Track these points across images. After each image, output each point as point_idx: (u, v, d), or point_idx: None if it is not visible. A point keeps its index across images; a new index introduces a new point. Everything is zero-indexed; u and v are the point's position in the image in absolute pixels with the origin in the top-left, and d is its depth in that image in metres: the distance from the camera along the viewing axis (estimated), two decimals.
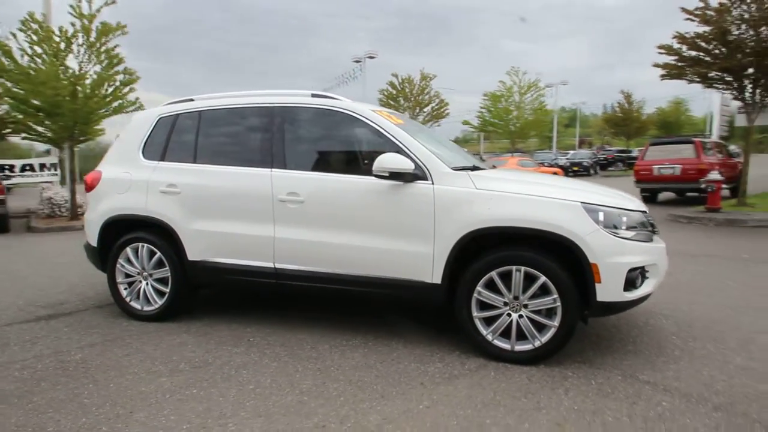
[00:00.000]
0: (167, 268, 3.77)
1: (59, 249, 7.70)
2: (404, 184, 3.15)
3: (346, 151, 3.61)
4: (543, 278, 2.91)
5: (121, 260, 3.90)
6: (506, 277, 2.99)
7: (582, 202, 2.93)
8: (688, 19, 11.18)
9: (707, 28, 10.78)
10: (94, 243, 4.01)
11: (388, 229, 3.20)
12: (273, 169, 3.48)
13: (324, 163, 3.57)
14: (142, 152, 3.94)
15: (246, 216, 3.53)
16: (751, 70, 10.04)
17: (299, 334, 3.54)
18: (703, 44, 10.96)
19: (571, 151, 35.89)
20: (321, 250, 3.34)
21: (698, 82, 11.21)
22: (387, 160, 3.07)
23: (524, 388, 2.70)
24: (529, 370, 2.91)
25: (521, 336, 3.00)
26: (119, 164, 4.01)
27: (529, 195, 3.00)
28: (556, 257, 2.93)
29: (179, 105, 4.00)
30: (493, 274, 3.00)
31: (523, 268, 2.94)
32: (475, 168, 3.45)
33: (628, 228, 2.97)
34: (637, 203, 3.22)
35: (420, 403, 2.53)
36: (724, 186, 10.16)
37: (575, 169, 26.85)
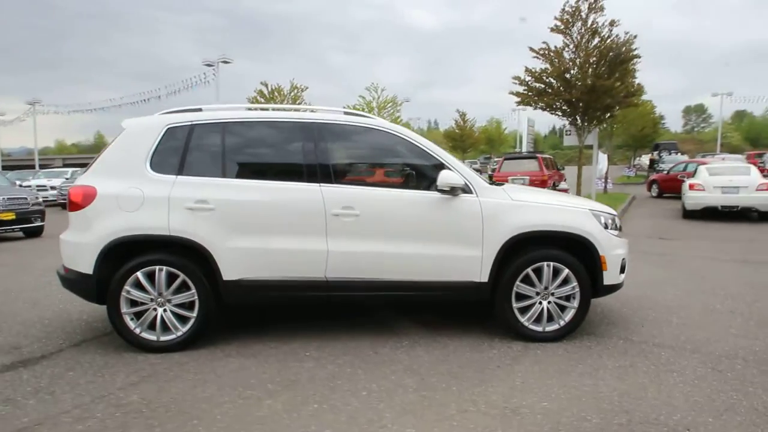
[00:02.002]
0: (193, 291, 3.48)
1: None
2: (453, 197, 3.59)
3: (393, 167, 3.87)
4: (566, 270, 3.66)
5: (128, 287, 3.45)
6: (537, 272, 3.66)
7: (589, 209, 3.78)
8: (535, 57, 13.80)
9: (549, 66, 13.47)
10: (87, 270, 3.44)
11: (442, 236, 3.59)
12: (321, 184, 3.55)
13: (373, 178, 3.77)
14: (150, 165, 3.56)
15: (295, 230, 3.52)
16: (581, 103, 12.87)
17: (348, 342, 3.65)
18: (546, 79, 13.64)
19: None
20: (378, 260, 3.55)
21: (543, 109, 13.87)
22: (448, 177, 3.48)
23: (573, 358, 3.39)
24: (561, 345, 3.62)
25: (549, 319, 3.70)
26: (119, 178, 3.53)
27: (554, 204, 3.75)
28: (572, 253, 3.72)
29: (190, 115, 3.72)
30: (529, 270, 3.64)
31: (552, 264, 3.65)
32: (496, 183, 4.06)
33: (613, 228, 3.91)
34: (609, 208, 4.22)
35: (514, 381, 3.01)
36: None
37: None
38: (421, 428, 2.47)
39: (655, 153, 30.66)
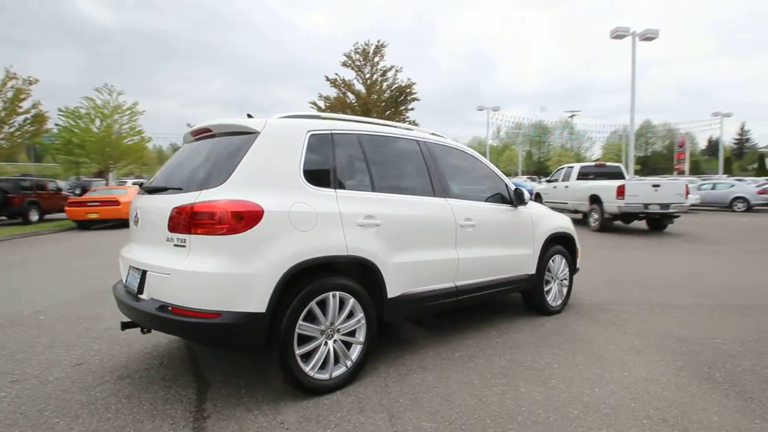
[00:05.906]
0: (360, 315, 3.21)
1: None
2: (516, 209, 4.55)
3: (480, 183, 4.43)
4: (564, 259, 5.16)
5: (300, 320, 2.89)
6: (553, 262, 5.01)
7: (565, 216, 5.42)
8: (331, 86, 15.29)
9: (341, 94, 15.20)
10: (257, 308, 2.70)
11: (515, 240, 4.49)
12: (447, 199, 3.88)
13: (472, 193, 4.26)
14: (303, 176, 3.07)
15: (436, 242, 3.73)
16: None
17: (463, 340, 4.07)
18: (340, 106, 15.29)
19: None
20: (486, 263, 4.16)
21: None
22: (526, 194, 4.42)
23: (592, 319, 4.85)
24: (569, 315, 5.05)
25: (559, 296, 5.11)
26: (278, 192, 2.91)
27: (557, 213, 5.19)
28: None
29: (320, 122, 3.40)
30: (550, 262, 4.96)
31: (560, 255, 5.08)
32: None
33: None
34: None
35: (598, 337, 4.24)
36: None
37: None
38: (615, 368, 3.41)
39: None
